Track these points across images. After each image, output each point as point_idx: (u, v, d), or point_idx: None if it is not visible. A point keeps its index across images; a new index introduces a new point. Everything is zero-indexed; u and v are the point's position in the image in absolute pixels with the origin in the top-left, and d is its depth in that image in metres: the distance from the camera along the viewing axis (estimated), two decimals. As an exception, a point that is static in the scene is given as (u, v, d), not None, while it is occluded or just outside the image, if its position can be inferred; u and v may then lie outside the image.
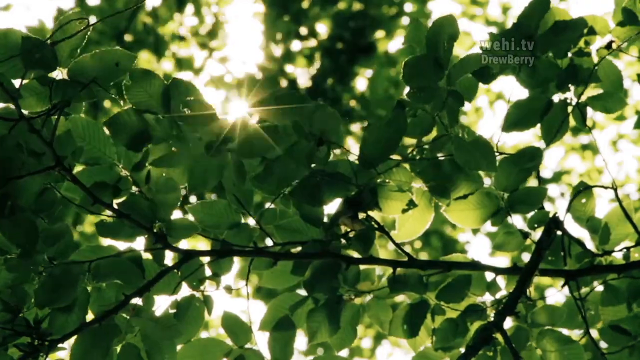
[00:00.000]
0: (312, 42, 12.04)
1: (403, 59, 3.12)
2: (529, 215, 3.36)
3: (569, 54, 3.37)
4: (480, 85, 3.31)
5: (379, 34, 11.97)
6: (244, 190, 3.20)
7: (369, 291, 3.33)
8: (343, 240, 3.23)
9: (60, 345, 3.06)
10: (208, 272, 3.25)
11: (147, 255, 3.20)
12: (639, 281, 3.35)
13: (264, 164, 3.14)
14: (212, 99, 3.05)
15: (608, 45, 3.40)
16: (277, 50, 11.96)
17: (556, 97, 3.41)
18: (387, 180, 3.21)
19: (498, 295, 3.35)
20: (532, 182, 3.35)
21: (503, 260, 11.78)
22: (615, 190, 3.35)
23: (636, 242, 3.37)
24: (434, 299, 3.31)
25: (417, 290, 3.28)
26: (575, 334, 3.45)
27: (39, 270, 3.08)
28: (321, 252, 3.21)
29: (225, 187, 3.18)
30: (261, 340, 3.26)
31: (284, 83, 11.87)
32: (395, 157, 3.20)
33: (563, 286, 3.33)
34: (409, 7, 12.05)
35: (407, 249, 3.28)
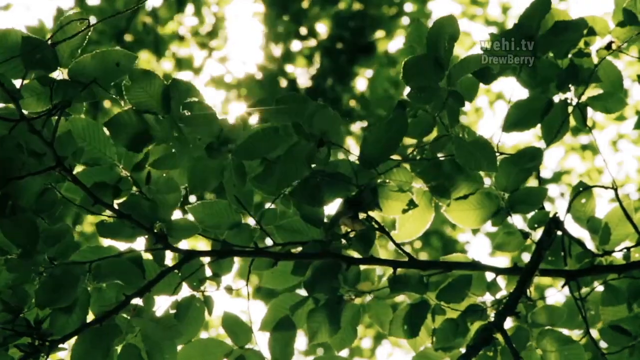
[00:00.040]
0: (312, 42, 12.04)
1: (403, 59, 3.12)
2: (529, 215, 3.36)
3: (569, 55, 3.37)
4: (481, 85, 3.31)
5: (379, 34, 11.97)
6: (244, 190, 3.20)
7: (370, 291, 3.33)
8: (343, 241, 3.23)
9: (60, 345, 3.06)
10: (208, 272, 3.25)
11: (147, 256, 3.20)
12: (639, 281, 3.35)
13: (265, 164, 3.14)
14: (212, 99, 3.06)
15: (608, 46, 3.40)
16: (277, 50, 11.96)
17: (556, 98, 3.41)
18: (387, 181, 3.21)
19: (498, 296, 3.35)
20: (532, 182, 3.36)
21: (503, 260, 11.78)
22: (616, 190, 3.35)
23: (636, 242, 3.37)
24: (434, 299, 3.31)
25: (418, 290, 3.28)
26: (575, 334, 3.45)
27: (39, 270, 3.08)
28: (321, 253, 3.22)
29: (226, 187, 3.18)
30: (262, 341, 3.26)
31: (284, 83, 11.87)
32: (395, 157, 3.20)
33: (563, 286, 3.33)
34: (409, 7, 12.05)
35: (407, 249, 3.28)
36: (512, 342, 3.16)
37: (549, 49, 3.29)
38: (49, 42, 3.00)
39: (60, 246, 3.10)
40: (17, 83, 3.03)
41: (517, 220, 3.36)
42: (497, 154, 3.22)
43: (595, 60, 3.41)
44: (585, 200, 3.41)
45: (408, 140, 3.27)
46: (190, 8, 12.10)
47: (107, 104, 10.56)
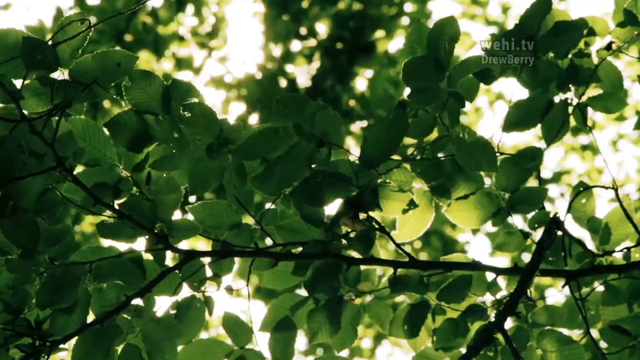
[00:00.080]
0: (312, 42, 12.04)
1: (403, 59, 3.13)
2: (530, 215, 3.36)
3: (570, 55, 3.37)
4: (481, 85, 3.31)
5: (379, 34, 11.97)
6: (245, 191, 3.20)
7: (370, 291, 3.33)
8: (344, 241, 3.23)
9: (61, 346, 3.06)
10: (209, 272, 3.25)
11: (147, 256, 3.20)
12: (639, 281, 3.35)
13: (265, 165, 3.14)
14: (212, 99, 3.06)
15: (608, 46, 3.40)
16: (277, 50, 11.96)
17: (557, 98, 3.41)
18: (387, 181, 3.21)
19: (498, 296, 3.35)
20: (533, 183, 3.36)
21: (503, 260, 11.78)
22: (616, 190, 3.35)
23: (637, 242, 3.37)
24: (434, 299, 3.31)
25: (418, 290, 3.28)
26: (576, 334, 3.45)
27: (40, 270, 3.08)
28: (322, 253, 3.22)
29: (226, 188, 3.18)
30: (262, 341, 3.26)
31: (283, 83, 11.87)
32: (396, 157, 3.20)
33: (564, 286, 3.33)
34: (409, 7, 12.05)
35: (407, 249, 3.28)
36: (512, 342, 3.16)
37: (549, 49, 3.29)
38: (50, 42, 3.00)
39: (60, 246, 3.10)
40: (18, 83, 3.03)
41: (518, 221, 3.36)
42: (498, 154, 3.22)
43: (596, 60, 3.42)
44: (585, 201, 3.42)
45: (408, 140, 3.27)
46: (190, 8, 12.10)
47: (106, 104, 10.56)
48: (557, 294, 3.46)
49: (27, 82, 3.03)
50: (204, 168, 3.15)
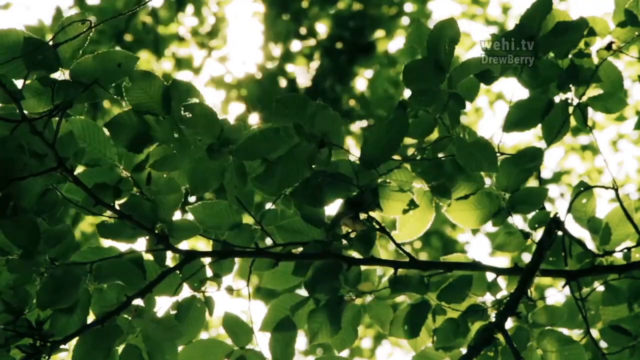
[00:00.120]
0: (312, 42, 12.04)
1: (403, 59, 3.13)
2: (530, 215, 3.36)
3: (570, 55, 3.37)
4: (481, 85, 3.31)
5: (379, 34, 11.97)
6: (245, 191, 3.20)
7: (370, 292, 3.33)
8: (344, 241, 3.23)
9: (62, 346, 3.06)
10: (209, 272, 3.25)
11: (147, 256, 3.20)
12: (640, 281, 3.36)
13: (265, 165, 3.14)
14: (212, 99, 3.05)
15: (608, 46, 3.41)
16: (277, 50, 11.96)
17: (557, 98, 3.41)
18: (388, 181, 3.21)
19: (499, 296, 3.35)
20: (533, 183, 3.36)
21: (503, 260, 11.78)
22: (616, 190, 3.35)
23: (637, 242, 3.37)
24: (435, 300, 3.31)
25: (419, 290, 3.28)
26: (576, 333, 3.45)
27: (40, 271, 3.08)
28: (322, 253, 3.22)
29: (227, 188, 3.18)
30: (262, 341, 3.26)
31: (283, 83, 11.87)
32: (396, 157, 3.20)
33: (564, 286, 3.33)
34: (409, 7, 12.05)
35: (407, 249, 3.28)
36: (512, 342, 3.16)
37: (549, 49, 3.29)
38: (51, 42, 3.00)
39: (61, 247, 3.10)
40: (18, 83, 3.03)
41: (518, 221, 3.36)
42: (498, 154, 3.22)
43: (596, 60, 3.42)
44: (585, 201, 3.42)
45: (408, 140, 3.27)
46: (190, 8, 12.10)
47: (106, 104, 10.56)
48: (557, 294, 3.46)
49: (27, 82, 3.02)
50: (204, 168, 3.15)
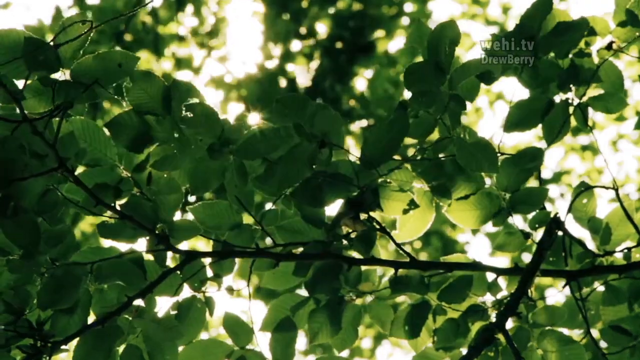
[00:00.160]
0: (312, 42, 12.04)
1: (404, 59, 3.13)
2: (530, 215, 3.36)
3: (570, 55, 3.37)
4: (481, 85, 3.31)
5: (379, 33, 11.97)
6: (246, 191, 3.20)
7: (371, 292, 3.33)
8: (344, 241, 3.23)
9: (62, 346, 3.06)
10: (209, 272, 3.25)
11: (147, 256, 3.19)
12: (640, 281, 3.36)
13: (266, 165, 3.14)
14: (212, 99, 3.06)
15: (609, 46, 3.41)
16: (277, 50, 11.96)
17: (557, 98, 3.41)
18: (388, 181, 3.21)
19: (499, 296, 3.35)
20: (533, 183, 3.36)
21: (503, 260, 11.78)
22: (617, 190, 3.35)
23: (637, 242, 3.37)
24: (435, 300, 3.31)
25: (419, 290, 3.28)
26: (576, 333, 3.45)
27: (41, 271, 3.08)
28: (323, 253, 3.22)
29: (227, 188, 3.18)
30: (263, 341, 3.26)
31: (283, 83, 11.87)
32: (396, 157, 3.20)
33: (564, 287, 3.33)
34: (409, 7, 12.05)
35: (407, 249, 3.28)
36: (513, 342, 3.16)
37: (550, 49, 3.29)
38: (52, 43, 3.00)
39: (61, 247, 3.10)
40: (18, 83, 3.03)
41: (518, 221, 3.36)
42: (498, 154, 3.22)
43: (596, 60, 3.42)
44: (586, 201, 3.42)
45: (408, 140, 3.27)
46: (190, 8, 12.10)
47: (106, 104, 10.56)
48: (557, 294, 3.46)
49: (28, 82, 3.02)
50: (205, 168, 3.15)
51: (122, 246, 3.17)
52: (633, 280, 3.37)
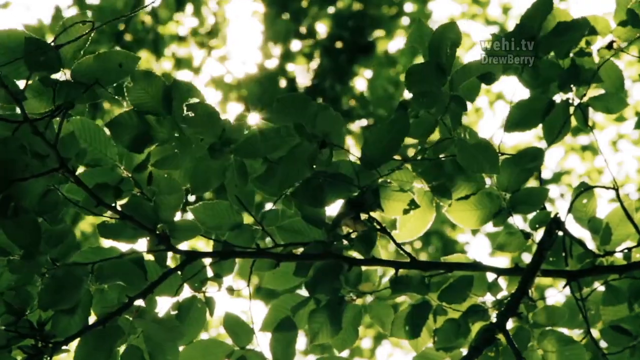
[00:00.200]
0: (312, 41, 12.04)
1: (404, 59, 3.14)
2: (530, 215, 3.36)
3: (571, 54, 3.37)
4: (482, 85, 3.31)
5: (379, 33, 11.97)
6: (246, 191, 3.20)
7: (371, 292, 3.33)
8: (345, 241, 3.22)
9: (63, 347, 3.06)
10: (210, 273, 3.24)
11: (148, 257, 3.19)
12: (640, 281, 3.36)
13: (267, 165, 3.14)
14: (212, 99, 3.06)
15: (609, 45, 3.40)
16: (277, 50, 11.96)
17: (557, 98, 3.41)
18: (388, 181, 3.21)
19: (499, 296, 3.35)
20: (533, 183, 3.36)
21: (503, 260, 11.78)
22: (617, 190, 3.35)
23: (637, 242, 3.37)
24: (435, 300, 3.31)
25: (419, 291, 3.28)
26: (576, 333, 3.45)
27: (42, 271, 3.08)
28: (323, 253, 3.21)
29: (227, 188, 3.18)
30: (263, 341, 3.26)
31: (283, 82, 11.87)
32: (396, 157, 3.20)
33: (565, 287, 3.33)
34: (409, 7, 12.05)
35: (407, 249, 3.28)
36: (514, 342, 3.16)
37: (550, 49, 3.29)
38: (53, 43, 3.00)
39: (62, 247, 3.10)
40: (19, 83, 3.03)
41: (518, 221, 3.36)
42: (499, 154, 3.22)
43: (596, 59, 3.42)
44: (586, 201, 3.42)
45: (408, 140, 3.27)
46: (190, 8, 12.09)
47: (105, 104, 10.55)
48: (557, 294, 3.46)
49: (29, 82, 3.02)
50: (205, 167, 3.15)
51: (123, 246, 3.17)
52: (633, 280, 3.37)
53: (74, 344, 3.08)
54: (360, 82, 11.98)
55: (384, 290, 3.32)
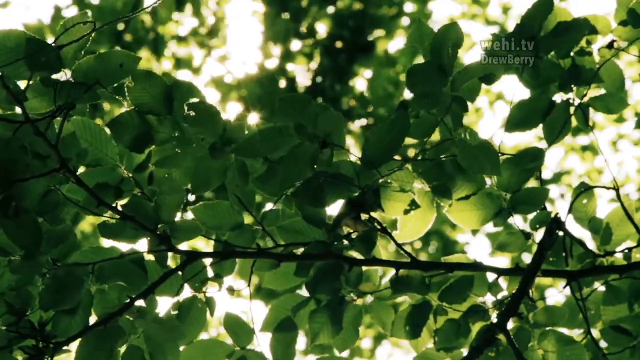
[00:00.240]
0: (312, 41, 12.04)
1: (404, 59, 3.13)
2: (531, 215, 3.36)
3: (571, 54, 3.37)
4: (482, 85, 3.31)
5: (379, 33, 11.97)
6: (247, 191, 3.20)
7: (371, 292, 3.33)
8: (345, 242, 3.23)
9: (64, 347, 3.06)
10: (210, 273, 3.25)
11: (148, 257, 3.19)
12: (640, 281, 3.36)
13: (267, 165, 3.14)
14: (212, 99, 3.06)
15: (610, 45, 3.40)
16: (277, 49, 11.96)
17: (558, 98, 3.41)
18: (389, 181, 3.21)
19: (500, 296, 3.35)
20: (533, 183, 3.36)
21: (503, 260, 11.78)
22: (617, 190, 3.35)
23: (637, 242, 3.37)
24: (436, 300, 3.31)
25: (420, 291, 3.28)
26: (576, 333, 3.45)
27: (42, 272, 3.08)
28: (324, 254, 3.22)
29: (228, 188, 3.18)
30: (263, 341, 3.26)
31: (283, 82, 11.87)
32: (397, 157, 3.20)
33: (565, 287, 3.33)
34: (409, 7, 12.05)
35: (408, 249, 3.28)
36: (514, 342, 3.16)
37: (551, 49, 3.29)
38: (54, 44, 3.00)
39: (63, 247, 3.10)
40: (20, 83, 3.02)
41: (519, 221, 3.36)
42: (499, 154, 3.22)
43: (597, 59, 3.41)
44: (586, 201, 3.42)
45: (409, 140, 3.27)
46: (189, 8, 12.09)
47: (106, 104, 10.55)
48: (557, 294, 3.46)
49: (30, 83, 3.02)
50: (206, 167, 3.15)
51: (123, 246, 3.17)
52: (633, 280, 3.37)
53: (74, 344, 3.08)
54: (360, 82, 11.99)
55: (384, 291, 3.32)
